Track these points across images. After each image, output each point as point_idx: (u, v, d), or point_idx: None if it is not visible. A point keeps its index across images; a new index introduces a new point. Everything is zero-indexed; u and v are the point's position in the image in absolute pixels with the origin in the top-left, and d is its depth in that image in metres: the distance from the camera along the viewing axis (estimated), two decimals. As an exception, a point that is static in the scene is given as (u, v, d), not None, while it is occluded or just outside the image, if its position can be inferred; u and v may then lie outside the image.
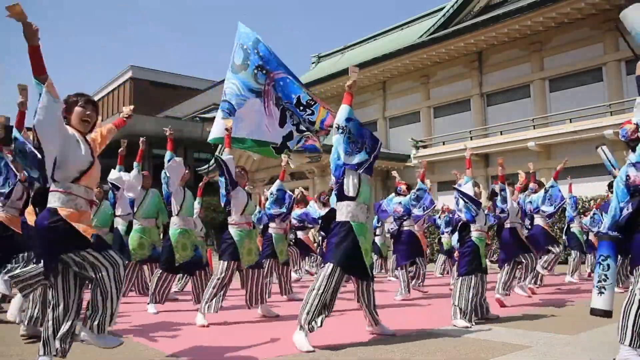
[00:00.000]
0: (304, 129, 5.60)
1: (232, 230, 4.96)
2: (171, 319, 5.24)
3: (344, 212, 3.98)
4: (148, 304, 5.64)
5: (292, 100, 5.53)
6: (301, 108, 5.56)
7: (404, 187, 7.05)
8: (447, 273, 9.94)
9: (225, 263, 4.84)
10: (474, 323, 4.53)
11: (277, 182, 6.78)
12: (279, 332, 4.22)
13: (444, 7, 18.88)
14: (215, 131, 5.39)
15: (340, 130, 3.99)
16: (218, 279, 4.79)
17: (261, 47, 5.50)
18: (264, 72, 5.45)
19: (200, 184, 8.77)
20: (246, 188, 5.27)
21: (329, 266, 3.83)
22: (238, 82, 5.42)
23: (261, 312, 5.29)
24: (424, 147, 17.83)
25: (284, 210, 6.67)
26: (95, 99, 3.11)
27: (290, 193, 6.95)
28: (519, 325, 4.52)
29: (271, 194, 6.72)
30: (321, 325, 3.72)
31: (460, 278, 4.69)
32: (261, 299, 5.21)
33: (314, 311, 3.71)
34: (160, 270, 5.63)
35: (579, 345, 3.65)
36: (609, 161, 4.75)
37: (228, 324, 4.83)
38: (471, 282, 4.63)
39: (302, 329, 3.68)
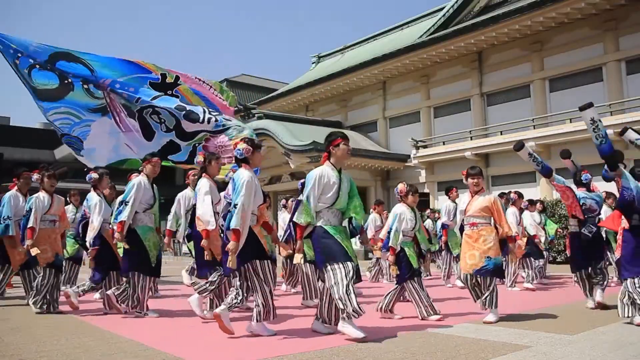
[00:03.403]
0: (197, 129, 4.58)
1: None
2: (170, 319, 5.24)
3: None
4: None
5: (148, 93, 4.59)
6: (169, 93, 4.64)
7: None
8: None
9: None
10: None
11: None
12: (278, 331, 4.22)
13: (444, 7, 18.90)
14: (102, 156, 4.54)
15: None
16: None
17: (63, 64, 4.50)
18: (92, 84, 4.53)
19: None
20: None
21: None
22: (70, 108, 4.45)
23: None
24: (424, 147, 17.85)
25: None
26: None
27: None
28: (519, 325, 4.52)
29: None
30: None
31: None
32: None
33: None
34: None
35: (579, 345, 3.65)
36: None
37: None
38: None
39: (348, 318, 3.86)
